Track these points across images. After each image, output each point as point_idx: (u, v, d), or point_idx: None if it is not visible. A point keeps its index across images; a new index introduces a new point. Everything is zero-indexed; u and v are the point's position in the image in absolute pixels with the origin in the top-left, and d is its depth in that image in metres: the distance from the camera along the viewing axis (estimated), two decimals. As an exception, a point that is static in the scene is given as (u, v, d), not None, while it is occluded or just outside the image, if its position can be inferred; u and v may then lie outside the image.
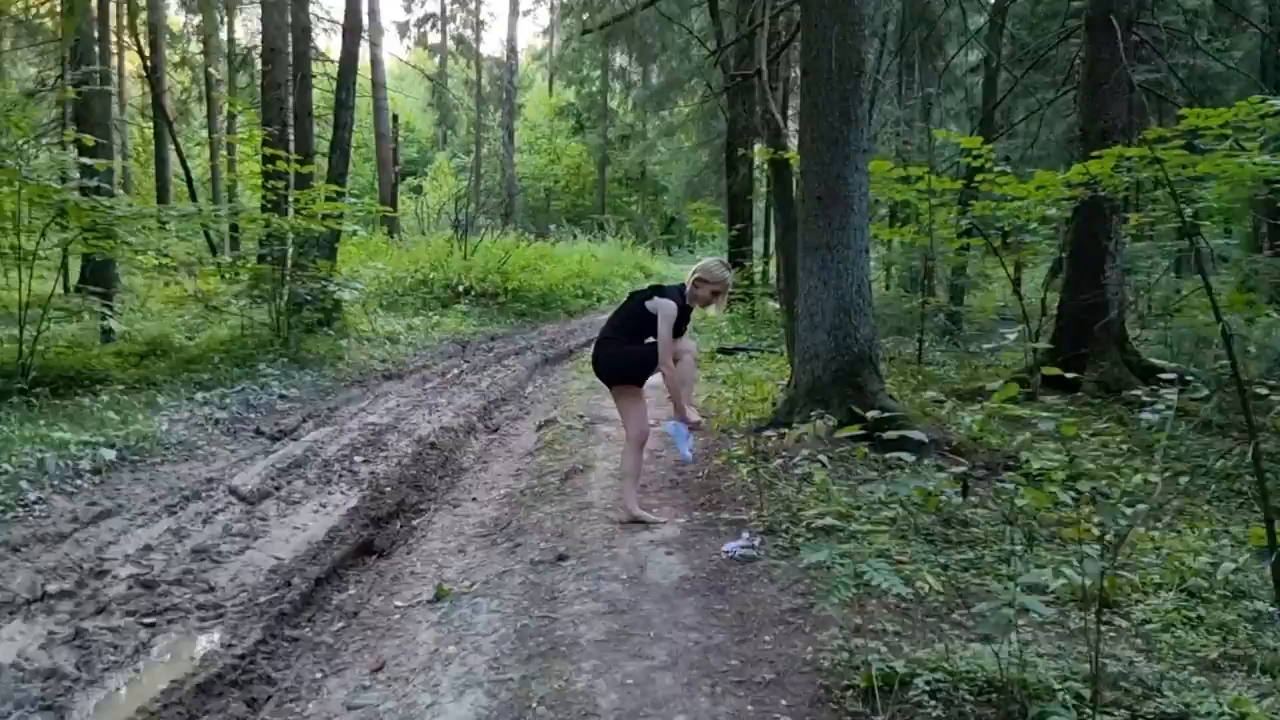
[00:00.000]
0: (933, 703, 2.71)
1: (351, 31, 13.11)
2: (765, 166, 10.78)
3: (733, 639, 3.34)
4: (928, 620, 3.43)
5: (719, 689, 2.98)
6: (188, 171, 17.33)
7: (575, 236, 29.07)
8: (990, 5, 14.32)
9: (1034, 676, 2.74)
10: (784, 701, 2.87)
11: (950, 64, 14.64)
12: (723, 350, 11.60)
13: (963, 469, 3.78)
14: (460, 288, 16.81)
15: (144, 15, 18.73)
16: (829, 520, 3.97)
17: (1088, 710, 2.41)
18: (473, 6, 35.77)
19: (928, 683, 2.79)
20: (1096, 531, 4.20)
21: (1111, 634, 3.31)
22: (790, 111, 18.46)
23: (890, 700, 2.76)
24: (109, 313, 9.68)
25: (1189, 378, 6.97)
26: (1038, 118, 12.34)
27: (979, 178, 7.91)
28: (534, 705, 2.98)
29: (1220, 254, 12.55)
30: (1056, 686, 2.71)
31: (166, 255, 12.69)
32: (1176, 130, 6.40)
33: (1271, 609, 3.28)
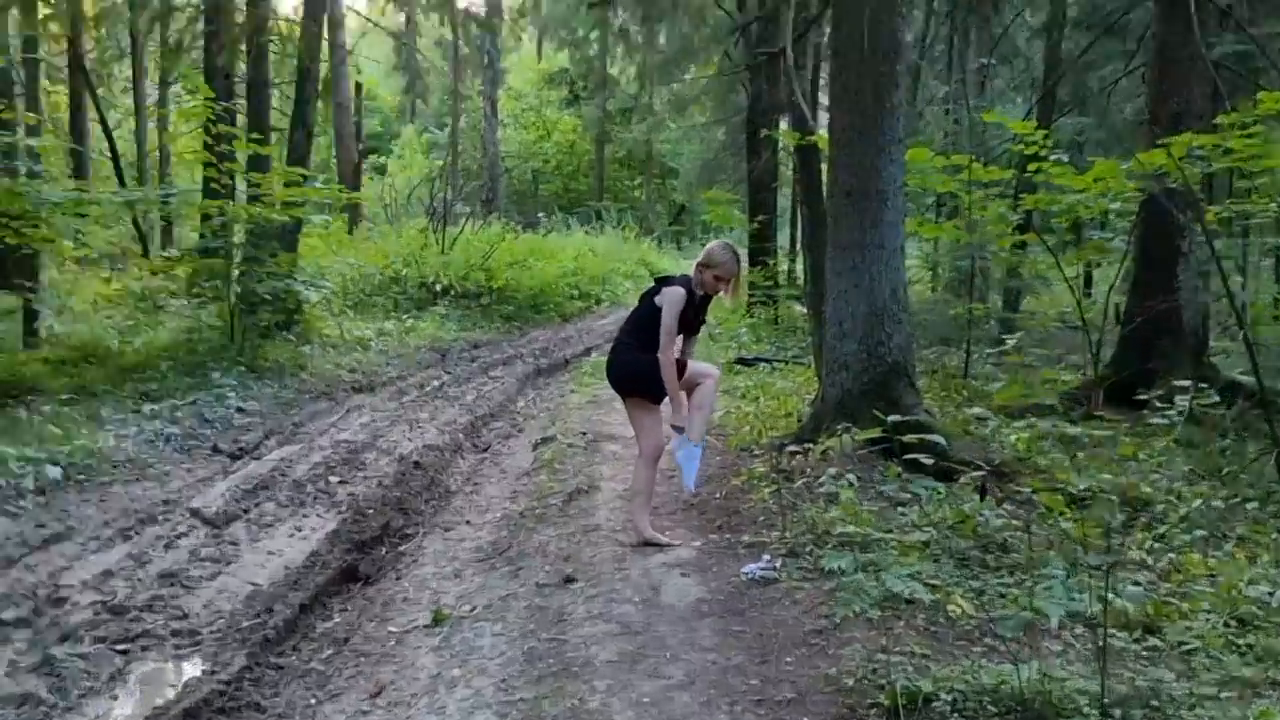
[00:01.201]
0: (955, 716, 3.21)
1: (317, -8, 13.64)
2: (791, 150, 11.18)
3: (752, 659, 3.84)
4: (958, 644, 3.92)
5: (738, 707, 3.48)
6: (113, 146, 17.73)
7: (569, 227, 29.65)
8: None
9: (1059, 691, 3.24)
10: (806, 719, 3.37)
11: (1008, 29, 15.14)
12: (741, 361, 12.00)
13: (981, 473, 4.26)
14: (438, 287, 17.37)
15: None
16: (853, 531, 4.46)
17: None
18: (448, -47, 36.39)
19: (952, 699, 3.29)
20: (1145, 556, 4.72)
21: (1151, 656, 3.80)
22: (822, 84, 18.92)
23: (915, 717, 3.25)
24: (47, 312, 10.17)
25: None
26: (1104, 94, 12.81)
27: (1032, 166, 8.33)
28: (546, 723, 3.47)
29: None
30: (1084, 704, 3.21)
31: (87, 245, 13.18)
32: (1256, 114, 6.83)
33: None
